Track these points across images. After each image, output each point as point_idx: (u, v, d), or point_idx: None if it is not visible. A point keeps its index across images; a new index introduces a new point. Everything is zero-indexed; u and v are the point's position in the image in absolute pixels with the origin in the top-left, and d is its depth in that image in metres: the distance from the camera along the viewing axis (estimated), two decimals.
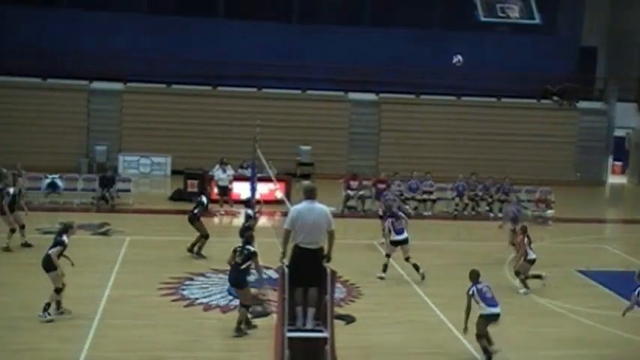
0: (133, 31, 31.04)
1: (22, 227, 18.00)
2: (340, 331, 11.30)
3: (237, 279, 13.03)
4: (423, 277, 16.40)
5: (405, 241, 16.67)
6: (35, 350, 11.82)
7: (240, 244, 13.24)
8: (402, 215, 17.89)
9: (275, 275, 15.65)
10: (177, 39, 31.28)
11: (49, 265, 13.09)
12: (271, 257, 17.14)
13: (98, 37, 30.50)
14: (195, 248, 17.65)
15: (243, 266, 12.96)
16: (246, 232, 13.79)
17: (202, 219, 18.02)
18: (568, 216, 24.86)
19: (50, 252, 13.21)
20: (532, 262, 16.15)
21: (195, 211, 17.95)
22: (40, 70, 29.79)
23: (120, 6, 32.64)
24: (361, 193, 24.29)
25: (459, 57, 13.76)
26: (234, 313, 13.88)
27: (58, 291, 13.09)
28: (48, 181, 23.33)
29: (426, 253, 18.12)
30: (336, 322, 11.12)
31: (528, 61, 33.06)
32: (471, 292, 12.43)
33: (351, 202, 24.27)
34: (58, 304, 13.18)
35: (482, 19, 33.86)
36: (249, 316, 13.16)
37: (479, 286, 12.46)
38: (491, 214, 24.61)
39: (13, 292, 14.50)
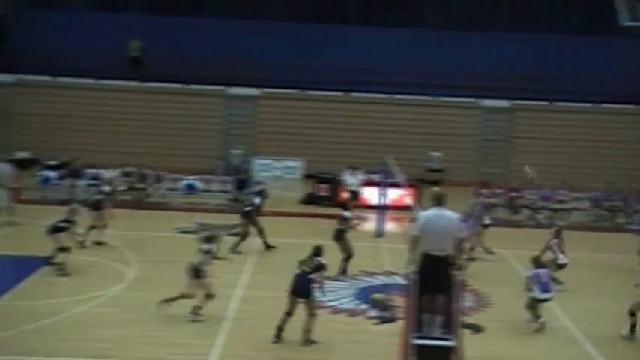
0: (270, 39, 31.80)
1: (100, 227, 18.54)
2: (467, 340, 11.19)
3: (303, 288, 12.73)
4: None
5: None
6: (171, 345, 12.35)
7: (309, 255, 13.19)
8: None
9: (402, 281, 15.72)
10: (312, 45, 31.81)
11: (197, 273, 13.39)
12: (398, 263, 17.29)
13: (235, 44, 31.47)
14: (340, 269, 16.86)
15: (311, 276, 12.75)
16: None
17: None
18: None
19: (197, 262, 13.48)
20: None
21: (340, 227, 17.13)
22: (181, 76, 31.07)
23: (259, 14, 33.58)
24: (492, 201, 23.89)
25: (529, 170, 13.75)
26: (361, 318, 14.02)
27: (209, 297, 13.39)
28: (186, 182, 24.27)
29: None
30: (464, 331, 11.02)
31: None
32: (530, 275, 13.82)
33: None
34: (198, 307, 13.46)
35: (624, 23, 32.49)
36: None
37: (537, 271, 13.76)
38: (631, 226, 23.61)
39: (151, 287, 15.20)
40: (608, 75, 31.18)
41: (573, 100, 31.51)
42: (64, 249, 15.94)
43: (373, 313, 14.46)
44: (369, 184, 24.21)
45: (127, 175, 23.91)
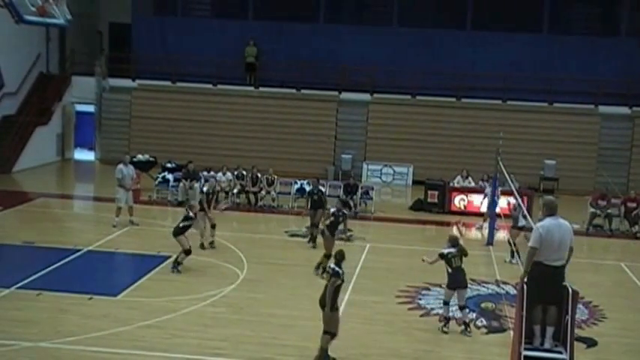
0: (382, 43, 31.88)
1: (213, 227, 18.74)
2: (580, 355, 10.92)
3: (321, 300, 11.98)
4: None
5: None
6: (280, 346, 12.59)
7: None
8: None
9: (513, 291, 15.45)
10: (424, 50, 31.68)
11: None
12: (509, 272, 17.02)
13: (348, 49, 31.73)
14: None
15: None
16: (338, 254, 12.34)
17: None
18: None
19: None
20: None
21: None
22: (295, 81, 31.55)
23: (372, 19, 33.79)
24: (609, 211, 23.12)
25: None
26: (470, 327, 13.85)
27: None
28: (297, 186, 24.63)
29: None
30: (577, 344, 10.75)
31: None
32: None
33: (598, 221, 23.18)
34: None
35: None
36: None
37: None
38: None
39: (261, 289, 15.54)
40: None
41: None
42: (187, 252, 16.41)
43: (482, 322, 14.28)
44: (479, 191, 23.88)
45: (240, 177, 24.47)
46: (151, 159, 27.32)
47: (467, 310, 13.80)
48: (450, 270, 13.60)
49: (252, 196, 24.21)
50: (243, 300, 14.86)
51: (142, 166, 26.03)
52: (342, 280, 12.00)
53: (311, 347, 12.39)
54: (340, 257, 12.21)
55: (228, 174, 24.55)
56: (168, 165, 26.15)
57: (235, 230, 20.18)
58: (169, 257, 16.96)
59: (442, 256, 13.68)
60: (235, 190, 24.29)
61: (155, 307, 14.12)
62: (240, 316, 13.98)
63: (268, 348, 12.49)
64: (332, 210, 17.28)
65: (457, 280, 13.56)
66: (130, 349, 12.12)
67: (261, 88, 32.00)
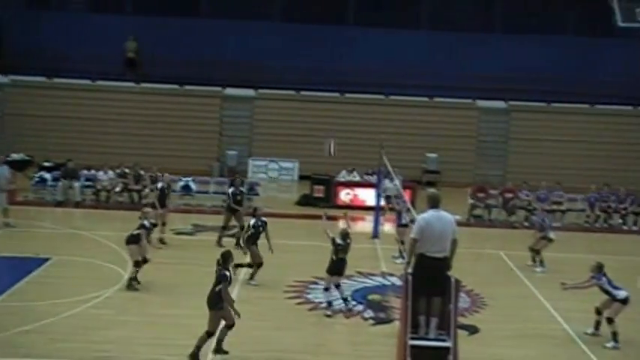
0: (266, 39, 31.79)
1: (164, 224, 18.92)
2: (463, 342, 11.21)
3: (209, 300, 11.98)
4: None
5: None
6: (169, 346, 12.35)
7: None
8: None
9: (399, 282, 15.74)
10: (308, 46, 31.78)
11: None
12: (394, 265, 17.34)
13: (231, 45, 31.48)
14: None
15: (217, 288, 11.86)
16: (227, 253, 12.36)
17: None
18: None
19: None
20: None
21: None
22: (177, 77, 31.06)
23: (255, 15, 33.57)
24: (488, 202, 23.95)
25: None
26: (357, 319, 14.04)
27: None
28: (182, 183, 24.26)
29: (557, 266, 17.68)
30: (460, 332, 11.05)
31: None
32: (602, 283, 13.61)
33: (478, 212, 23.97)
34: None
35: (621, 24, 32.50)
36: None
37: (607, 276, 13.70)
38: (625, 227, 23.77)
39: (147, 289, 15.19)
40: (605, 76, 31.27)
41: (570, 102, 31.59)
42: (136, 263, 15.16)
43: (369, 314, 14.48)
44: (365, 185, 24.22)
45: (122, 176, 23.88)
46: (27, 158, 26.28)
47: (341, 288, 14.50)
48: (334, 258, 14.30)
49: (135, 195, 23.66)
50: (128, 301, 14.50)
51: (17, 166, 24.99)
52: (230, 282, 11.96)
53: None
54: (227, 257, 12.11)
55: (110, 172, 23.91)
56: (46, 164, 25.22)
57: (118, 230, 19.61)
58: (48, 259, 16.33)
59: (334, 242, 14.30)
60: (118, 189, 23.67)
61: (35, 311, 13.56)
62: (126, 317, 13.63)
63: (156, 348, 12.23)
64: (252, 222, 16.42)
65: (338, 268, 14.30)
66: (8, 356, 11.58)
67: (142, 84, 31.29)
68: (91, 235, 19.31)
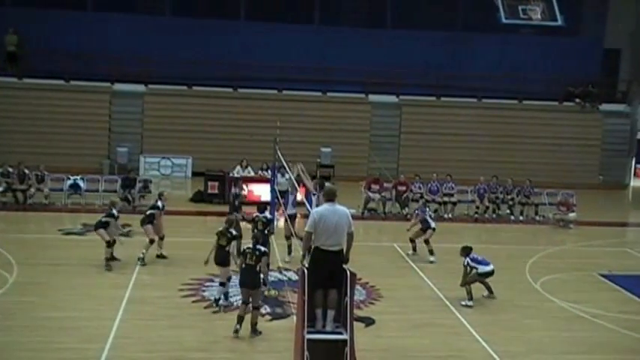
0: (155, 34, 31.20)
1: None
2: (360, 334, 11.27)
3: (254, 280, 12.82)
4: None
5: None
6: (57, 350, 11.89)
7: (250, 246, 13.08)
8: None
9: (295, 277, 15.71)
10: (199, 41, 31.41)
11: (225, 260, 14.00)
12: (290, 259, 17.29)
13: (120, 39, 30.72)
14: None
15: (258, 267, 12.81)
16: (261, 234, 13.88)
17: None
18: (590, 219, 24.69)
19: (227, 250, 14.08)
20: None
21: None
22: (63, 71, 30.04)
23: (143, 9, 32.87)
24: (382, 195, 24.27)
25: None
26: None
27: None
28: (70, 182, 23.48)
29: (446, 256, 18.06)
30: (356, 324, 11.09)
31: (551, 63, 32.94)
32: (465, 263, 14.93)
33: (372, 205, 24.25)
34: None
35: (505, 20, 33.68)
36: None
37: (471, 256, 15.02)
38: (512, 217, 24.57)
39: (34, 292, 14.60)
40: (492, 70, 32.28)
41: (459, 96, 32.44)
42: (108, 243, 16.29)
43: (266, 309, 14.37)
44: (259, 180, 24.09)
45: (5, 175, 22.88)
46: None
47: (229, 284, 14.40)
48: (216, 245, 14.43)
49: (20, 195, 22.73)
50: (14, 305, 13.85)
51: None
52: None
53: (92, 348, 11.83)
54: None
55: None
56: None
57: (1, 231, 18.81)
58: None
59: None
60: (1, 189, 22.68)
61: None
62: (12, 322, 13.01)
63: (45, 353, 11.74)
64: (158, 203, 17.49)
65: (219, 257, 14.25)
66: None
67: (25, 80, 30.14)
68: None
